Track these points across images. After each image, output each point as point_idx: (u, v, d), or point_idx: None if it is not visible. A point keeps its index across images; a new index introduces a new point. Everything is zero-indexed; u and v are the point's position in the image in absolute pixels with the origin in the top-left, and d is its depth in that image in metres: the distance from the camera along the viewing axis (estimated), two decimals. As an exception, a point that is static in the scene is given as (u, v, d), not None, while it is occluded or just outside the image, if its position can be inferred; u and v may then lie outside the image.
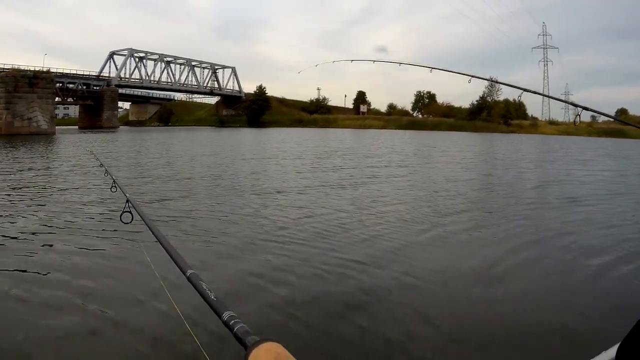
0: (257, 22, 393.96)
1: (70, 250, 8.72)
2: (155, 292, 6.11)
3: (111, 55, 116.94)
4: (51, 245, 9.00)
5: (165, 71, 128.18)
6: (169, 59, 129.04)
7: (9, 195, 14.85)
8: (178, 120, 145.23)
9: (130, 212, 3.10)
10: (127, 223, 3.17)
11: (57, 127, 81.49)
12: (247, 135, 70.41)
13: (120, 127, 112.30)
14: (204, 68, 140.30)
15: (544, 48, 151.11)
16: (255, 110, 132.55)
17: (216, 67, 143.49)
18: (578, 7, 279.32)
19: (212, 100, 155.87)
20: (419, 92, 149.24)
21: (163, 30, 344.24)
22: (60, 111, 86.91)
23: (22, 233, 9.81)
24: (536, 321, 5.83)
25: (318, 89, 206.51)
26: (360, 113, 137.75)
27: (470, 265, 8.18)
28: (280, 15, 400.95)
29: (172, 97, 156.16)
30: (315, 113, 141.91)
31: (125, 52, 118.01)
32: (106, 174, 5.16)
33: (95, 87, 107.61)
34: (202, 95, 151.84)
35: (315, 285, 6.97)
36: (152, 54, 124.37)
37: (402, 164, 27.77)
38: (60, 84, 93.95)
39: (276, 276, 7.30)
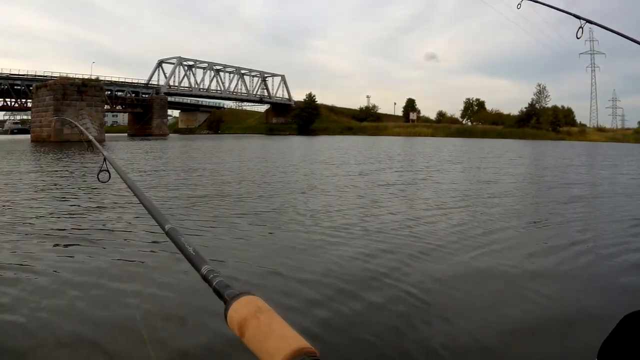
0: (306, 30, 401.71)
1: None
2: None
3: (160, 64, 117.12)
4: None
5: (215, 79, 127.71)
6: (218, 67, 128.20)
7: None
8: (228, 128, 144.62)
9: (107, 171, 3.03)
10: (105, 182, 3.17)
11: (106, 134, 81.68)
12: (299, 143, 68.72)
13: (170, 134, 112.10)
14: (253, 76, 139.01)
15: (591, 54, 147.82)
16: (305, 118, 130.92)
17: (266, 75, 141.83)
18: (624, 13, 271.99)
19: (262, 108, 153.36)
20: (468, 99, 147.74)
21: (212, 39, 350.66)
22: (108, 119, 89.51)
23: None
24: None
25: (367, 97, 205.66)
26: (409, 120, 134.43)
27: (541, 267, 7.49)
28: (330, 23, 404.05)
29: (221, 105, 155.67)
30: (364, 121, 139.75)
31: (174, 61, 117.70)
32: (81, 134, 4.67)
33: (144, 95, 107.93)
34: (252, 104, 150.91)
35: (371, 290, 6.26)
36: (201, 62, 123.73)
37: (457, 170, 26.49)
38: (109, 92, 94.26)
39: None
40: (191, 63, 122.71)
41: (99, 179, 3.06)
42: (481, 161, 34.01)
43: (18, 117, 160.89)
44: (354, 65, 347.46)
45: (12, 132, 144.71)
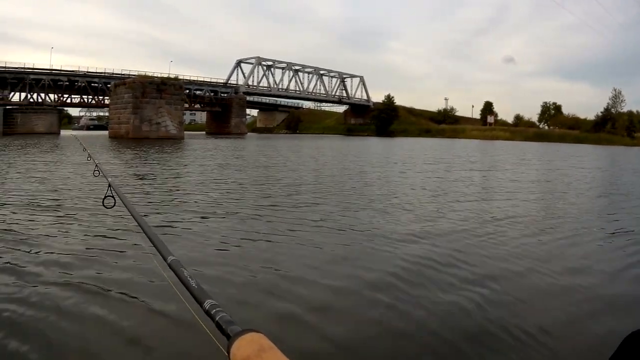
0: (384, 31, 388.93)
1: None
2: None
3: (238, 63, 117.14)
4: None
5: (294, 79, 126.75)
6: (296, 67, 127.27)
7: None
8: (306, 128, 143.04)
9: (112, 196, 3.08)
10: (110, 207, 3.18)
11: (184, 132, 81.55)
12: (385, 145, 65.94)
13: (248, 133, 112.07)
14: (332, 77, 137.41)
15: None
16: (384, 119, 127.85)
17: (344, 76, 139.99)
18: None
19: (340, 108, 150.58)
20: (545, 103, 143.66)
21: (290, 39, 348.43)
22: (187, 117, 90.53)
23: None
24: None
25: (446, 99, 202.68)
26: (487, 124, 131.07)
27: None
28: (407, 24, 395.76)
29: (300, 105, 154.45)
30: (442, 123, 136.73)
31: (253, 61, 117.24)
32: (89, 159, 5.48)
33: (223, 94, 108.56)
34: (330, 104, 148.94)
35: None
36: (280, 62, 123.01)
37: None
38: (188, 91, 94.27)
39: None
40: (270, 63, 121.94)
41: (104, 205, 3.13)
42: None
43: (94, 114, 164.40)
44: (430, 66, 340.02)
45: (88, 128, 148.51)
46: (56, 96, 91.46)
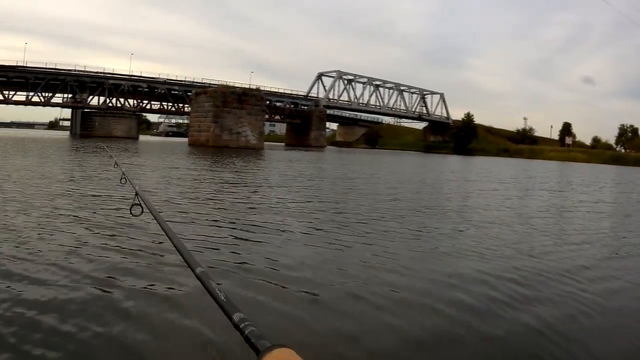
0: (465, 47, 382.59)
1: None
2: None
3: (319, 77, 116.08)
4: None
5: (374, 94, 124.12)
6: (377, 82, 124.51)
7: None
8: (385, 143, 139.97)
9: (140, 204, 3.04)
10: (137, 216, 3.13)
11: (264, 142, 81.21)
12: (466, 163, 62.77)
13: (327, 147, 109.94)
14: (412, 93, 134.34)
15: None
16: (463, 137, 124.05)
17: (425, 92, 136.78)
18: None
19: (419, 125, 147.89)
20: (622, 125, 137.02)
21: (371, 53, 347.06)
22: (266, 128, 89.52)
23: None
24: None
25: (525, 119, 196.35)
26: (565, 145, 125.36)
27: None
28: (488, 42, 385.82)
29: (379, 120, 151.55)
30: (521, 143, 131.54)
31: (334, 74, 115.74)
32: (116, 166, 6.03)
33: (303, 107, 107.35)
34: (410, 120, 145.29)
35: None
36: (361, 77, 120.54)
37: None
38: (268, 102, 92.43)
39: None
40: (351, 77, 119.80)
41: (131, 213, 3.06)
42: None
43: (173, 121, 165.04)
44: (509, 85, 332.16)
45: (167, 135, 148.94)
46: (135, 102, 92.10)
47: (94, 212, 10.33)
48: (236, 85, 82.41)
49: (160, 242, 7.41)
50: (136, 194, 3.07)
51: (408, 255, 8.31)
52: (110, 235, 8.31)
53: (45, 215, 9.76)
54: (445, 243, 9.60)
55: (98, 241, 7.86)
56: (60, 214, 10.03)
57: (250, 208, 12.55)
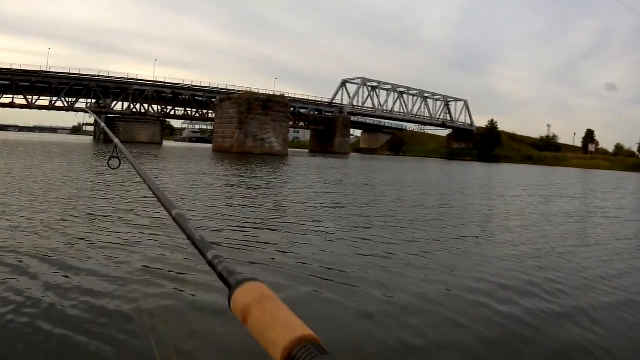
0: (488, 55, 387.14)
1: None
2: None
3: (344, 83, 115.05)
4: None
5: (398, 101, 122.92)
6: (401, 89, 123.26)
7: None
8: (409, 150, 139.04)
9: (117, 157, 3.14)
10: (115, 168, 3.25)
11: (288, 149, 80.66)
12: (493, 170, 61.02)
13: (351, 153, 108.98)
14: (436, 100, 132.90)
15: None
16: (486, 144, 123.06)
17: (449, 99, 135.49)
18: None
19: (443, 132, 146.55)
20: None
21: (395, 60, 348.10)
22: (290, 134, 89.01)
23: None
24: None
25: (548, 126, 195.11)
26: (588, 152, 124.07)
27: None
28: (511, 48, 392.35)
29: (403, 127, 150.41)
30: (544, 150, 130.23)
31: (358, 81, 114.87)
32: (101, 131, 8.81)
33: (327, 113, 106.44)
34: (434, 127, 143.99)
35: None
36: (385, 84, 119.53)
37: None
38: (292, 109, 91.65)
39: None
40: (375, 84, 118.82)
41: (109, 166, 3.18)
42: None
43: (196, 127, 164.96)
44: (532, 91, 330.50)
45: (191, 141, 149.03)
46: (159, 107, 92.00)
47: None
48: (260, 91, 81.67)
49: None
50: (115, 147, 3.10)
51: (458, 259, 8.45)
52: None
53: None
54: (489, 247, 9.86)
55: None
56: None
57: (290, 212, 12.71)
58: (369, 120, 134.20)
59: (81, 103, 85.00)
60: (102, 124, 4.74)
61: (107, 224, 9.31)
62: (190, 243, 1.27)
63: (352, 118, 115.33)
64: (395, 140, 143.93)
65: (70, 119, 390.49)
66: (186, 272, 5.92)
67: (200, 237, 1.26)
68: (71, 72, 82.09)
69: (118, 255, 6.82)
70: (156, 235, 8.35)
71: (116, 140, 3.18)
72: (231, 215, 11.38)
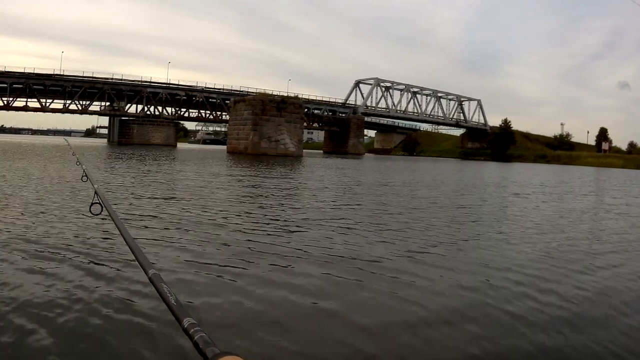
0: (501, 55, 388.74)
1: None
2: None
3: (357, 84, 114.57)
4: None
5: (412, 101, 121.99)
6: (415, 89, 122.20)
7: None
8: (423, 150, 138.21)
9: (100, 203, 2.97)
10: (96, 215, 3.07)
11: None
12: (510, 170, 60.15)
13: (365, 154, 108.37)
14: (450, 100, 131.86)
15: None
16: (500, 143, 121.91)
17: (462, 99, 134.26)
18: None
19: (457, 132, 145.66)
20: None
21: (408, 60, 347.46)
22: (304, 135, 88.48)
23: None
24: None
25: (562, 124, 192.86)
26: (601, 150, 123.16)
27: None
28: (524, 48, 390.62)
29: (417, 127, 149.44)
30: (558, 149, 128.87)
31: (371, 82, 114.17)
32: (78, 163, 5.79)
33: (341, 114, 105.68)
34: (448, 127, 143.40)
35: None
36: (398, 84, 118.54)
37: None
38: (306, 109, 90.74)
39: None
40: (388, 84, 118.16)
41: (91, 212, 3.01)
42: None
43: (210, 129, 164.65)
44: (545, 91, 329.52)
45: (204, 142, 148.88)
46: (173, 110, 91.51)
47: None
48: (274, 93, 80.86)
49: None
50: (95, 193, 3.03)
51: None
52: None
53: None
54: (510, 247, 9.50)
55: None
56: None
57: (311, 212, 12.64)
58: (383, 120, 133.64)
59: (95, 106, 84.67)
60: (84, 167, 4.79)
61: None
62: (166, 307, 1.19)
63: (366, 118, 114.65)
64: (409, 140, 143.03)
65: (83, 122, 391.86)
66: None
67: (175, 301, 1.19)
68: (85, 75, 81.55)
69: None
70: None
71: (96, 186, 3.15)
72: (266, 215, 11.44)
